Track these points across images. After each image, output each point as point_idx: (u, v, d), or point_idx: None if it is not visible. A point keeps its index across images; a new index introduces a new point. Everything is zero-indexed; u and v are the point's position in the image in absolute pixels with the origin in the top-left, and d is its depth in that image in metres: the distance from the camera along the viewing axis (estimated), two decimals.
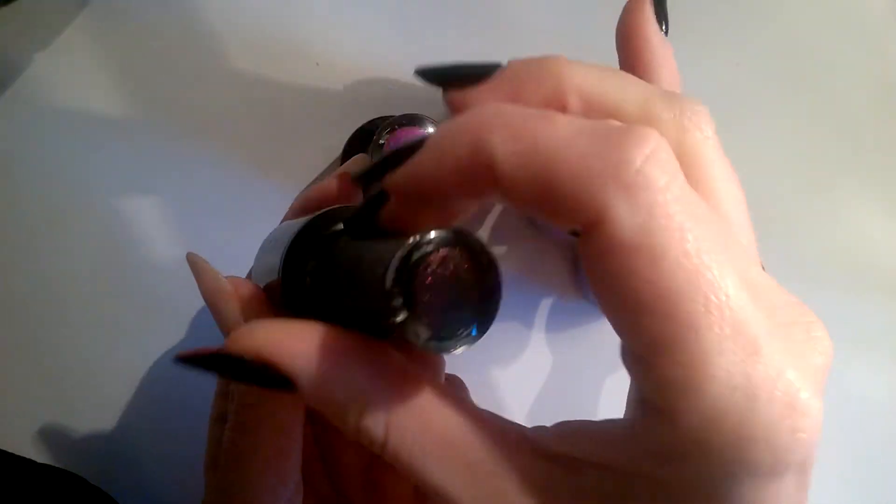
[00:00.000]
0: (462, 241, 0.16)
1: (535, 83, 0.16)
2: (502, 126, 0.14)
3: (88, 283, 0.35)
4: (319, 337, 0.16)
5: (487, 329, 0.16)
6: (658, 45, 0.19)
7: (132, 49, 0.36)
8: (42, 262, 0.35)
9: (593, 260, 0.14)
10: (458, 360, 0.37)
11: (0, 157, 0.35)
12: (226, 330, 0.22)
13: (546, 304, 0.37)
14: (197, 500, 0.23)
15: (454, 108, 0.17)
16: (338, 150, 0.36)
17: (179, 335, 0.35)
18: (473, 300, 0.16)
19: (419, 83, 0.18)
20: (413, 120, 0.33)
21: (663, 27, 0.19)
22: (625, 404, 0.16)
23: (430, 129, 0.33)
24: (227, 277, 0.23)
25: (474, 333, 0.16)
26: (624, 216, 0.13)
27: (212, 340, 0.23)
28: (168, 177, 0.36)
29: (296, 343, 0.16)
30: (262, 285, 0.22)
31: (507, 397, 0.36)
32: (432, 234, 0.15)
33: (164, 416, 0.34)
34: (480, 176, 0.14)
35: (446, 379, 0.26)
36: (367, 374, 0.16)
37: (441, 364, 0.24)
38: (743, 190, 0.17)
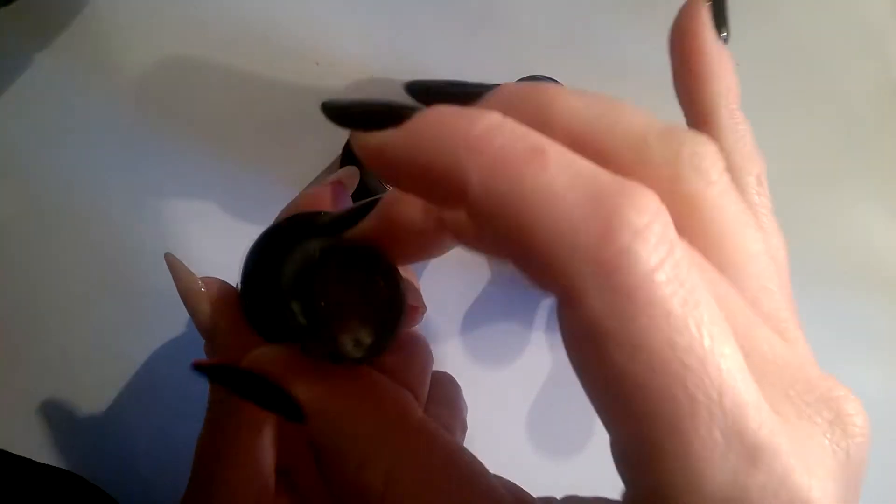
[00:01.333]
0: (357, 253, 0.16)
1: (522, 113, 0.14)
2: (487, 153, 0.12)
3: (87, 282, 0.35)
4: (334, 376, 0.16)
5: (390, 338, 0.17)
6: (712, 53, 0.17)
7: (132, 49, 0.36)
8: (41, 261, 0.35)
9: (566, 333, 0.12)
10: (459, 360, 0.37)
11: None
12: (199, 327, 0.23)
13: (546, 304, 0.37)
14: None
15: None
16: (337, 151, 0.36)
17: (179, 335, 0.35)
18: (374, 311, 0.16)
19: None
20: None
21: (723, 33, 0.17)
22: None
23: None
24: (201, 278, 0.23)
25: (376, 345, 0.16)
26: (597, 298, 0.11)
27: None
28: (167, 177, 0.36)
29: (315, 378, 0.16)
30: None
31: (507, 397, 0.36)
32: (329, 247, 0.16)
33: (164, 416, 0.34)
34: (449, 191, 0.12)
35: (437, 376, 0.26)
36: (374, 420, 0.16)
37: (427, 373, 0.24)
38: (777, 234, 0.14)
